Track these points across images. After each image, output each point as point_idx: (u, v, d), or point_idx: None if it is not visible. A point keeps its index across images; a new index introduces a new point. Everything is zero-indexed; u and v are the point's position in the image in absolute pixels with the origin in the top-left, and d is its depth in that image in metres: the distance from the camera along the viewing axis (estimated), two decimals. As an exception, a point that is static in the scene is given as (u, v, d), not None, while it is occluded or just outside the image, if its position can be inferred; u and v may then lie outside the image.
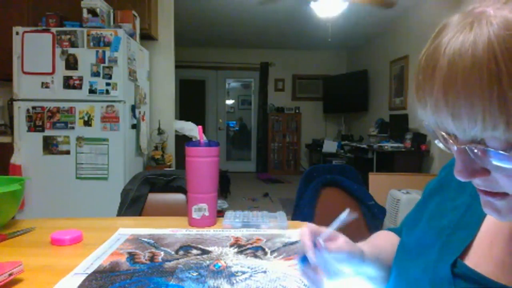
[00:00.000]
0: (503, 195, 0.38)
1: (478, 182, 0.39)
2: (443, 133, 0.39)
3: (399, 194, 3.13)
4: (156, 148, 3.22)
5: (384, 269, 0.64)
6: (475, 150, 0.35)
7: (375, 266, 0.61)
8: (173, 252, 0.78)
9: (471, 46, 0.32)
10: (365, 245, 0.64)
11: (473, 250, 0.48)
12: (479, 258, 0.47)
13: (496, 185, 0.37)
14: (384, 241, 0.70)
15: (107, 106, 2.57)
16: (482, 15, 0.34)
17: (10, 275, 0.61)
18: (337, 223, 0.57)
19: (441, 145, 0.41)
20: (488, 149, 0.34)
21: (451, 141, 0.38)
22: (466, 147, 0.36)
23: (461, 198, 0.54)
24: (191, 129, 3.58)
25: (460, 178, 0.38)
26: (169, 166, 3.24)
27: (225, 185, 5.01)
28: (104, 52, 2.55)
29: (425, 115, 0.38)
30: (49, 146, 2.57)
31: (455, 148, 0.38)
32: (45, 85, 2.56)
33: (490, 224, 0.49)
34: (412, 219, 0.62)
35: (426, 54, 0.37)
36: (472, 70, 0.32)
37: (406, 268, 0.55)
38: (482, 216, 0.50)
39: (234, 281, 0.64)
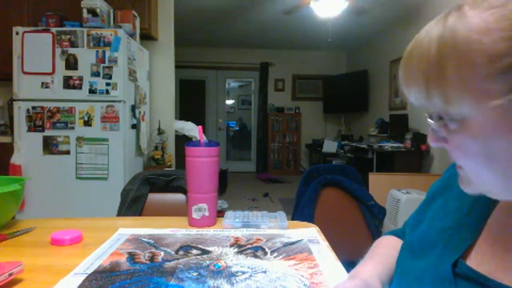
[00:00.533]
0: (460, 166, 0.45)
1: (450, 155, 0.46)
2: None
3: (399, 194, 3.13)
4: (156, 148, 3.22)
5: None
6: (432, 121, 0.45)
7: (389, 284, 0.61)
8: (173, 252, 0.78)
9: (425, 35, 0.42)
10: (379, 266, 0.62)
11: (475, 250, 0.49)
12: (481, 258, 0.47)
13: (454, 155, 0.45)
14: (390, 250, 0.69)
15: (107, 106, 2.57)
16: (452, 11, 0.41)
17: (10, 275, 0.61)
18: None
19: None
20: (438, 115, 0.43)
21: (426, 113, 0.47)
22: (428, 116, 0.45)
23: (465, 199, 0.54)
24: (191, 129, 3.58)
25: (430, 143, 0.47)
26: (169, 166, 3.24)
27: (222, 183, 5.06)
28: (104, 52, 2.55)
29: (400, 88, 0.47)
30: (49, 146, 2.57)
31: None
32: (45, 85, 2.56)
33: (492, 224, 0.49)
34: (415, 219, 0.62)
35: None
36: (418, 52, 0.42)
37: (408, 267, 0.55)
38: (485, 216, 0.50)
39: (234, 281, 0.64)
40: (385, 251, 0.69)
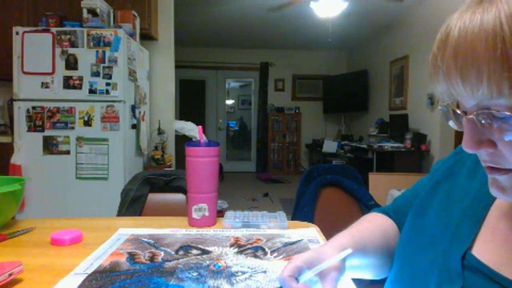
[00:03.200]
0: (508, 170, 0.39)
1: (485, 158, 0.41)
2: (455, 109, 0.41)
3: (399, 194, 3.12)
4: (156, 148, 3.22)
5: (373, 256, 0.62)
6: (482, 121, 0.37)
7: (360, 256, 0.59)
8: (173, 252, 0.78)
9: (481, 16, 0.35)
10: (348, 238, 0.60)
11: (479, 239, 0.48)
12: (485, 246, 0.47)
13: (502, 160, 0.39)
14: (371, 226, 0.67)
15: (107, 106, 2.57)
16: None
17: (10, 275, 0.61)
18: (333, 260, 0.53)
19: (452, 124, 0.43)
20: (494, 114, 0.36)
21: (459, 112, 0.40)
22: (474, 116, 0.38)
23: (470, 186, 0.53)
24: (191, 129, 3.58)
25: (467, 149, 0.40)
26: (169, 166, 3.24)
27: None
28: (104, 52, 2.55)
29: (438, 83, 0.40)
30: (49, 146, 2.57)
31: (464, 119, 0.39)
32: (45, 85, 2.56)
33: (495, 211, 0.49)
34: (420, 206, 0.60)
35: (440, 32, 0.40)
36: (479, 33, 0.35)
37: (412, 258, 0.54)
38: (489, 203, 0.50)
39: (234, 281, 0.64)
40: (363, 227, 0.67)
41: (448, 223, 0.52)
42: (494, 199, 0.50)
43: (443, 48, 0.38)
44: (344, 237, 0.60)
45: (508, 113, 0.35)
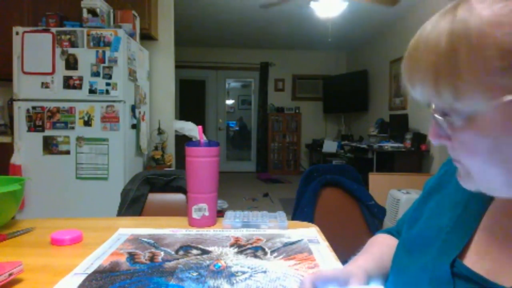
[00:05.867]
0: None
1: (449, 152, 0.46)
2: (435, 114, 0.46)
3: (399, 194, 3.13)
4: (156, 148, 3.22)
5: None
6: (436, 116, 0.43)
7: (379, 279, 0.61)
8: (173, 252, 0.78)
9: (432, 29, 0.41)
10: (368, 261, 0.62)
11: (471, 248, 0.48)
12: (477, 256, 0.47)
13: (457, 153, 0.44)
14: (387, 249, 0.68)
15: (107, 106, 2.57)
16: (461, 4, 0.40)
17: (10, 275, 0.61)
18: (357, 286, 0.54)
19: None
20: (444, 111, 0.42)
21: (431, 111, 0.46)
22: (433, 112, 0.44)
23: (460, 195, 0.54)
24: (191, 129, 3.58)
25: (430, 138, 0.46)
26: (169, 166, 3.24)
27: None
28: (104, 52, 2.55)
29: (404, 87, 0.46)
30: (49, 146, 2.57)
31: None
32: (45, 85, 2.56)
33: (487, 222, 0.49)
34: (412, 217, 0.62)
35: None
36: (425, 48, 0.41)
37: (405, 266, 0.55)
38: (481, 213, 0.50)
39: (234, 281, 0.64)
40: (377, 249, 0.69)
41: (438, 232, 0.52)
42: (485, 209, 0.50)
43: (404, 58, 0.45)
44: (367, 260, 0.62)
45: (443, 113, 0.42)
